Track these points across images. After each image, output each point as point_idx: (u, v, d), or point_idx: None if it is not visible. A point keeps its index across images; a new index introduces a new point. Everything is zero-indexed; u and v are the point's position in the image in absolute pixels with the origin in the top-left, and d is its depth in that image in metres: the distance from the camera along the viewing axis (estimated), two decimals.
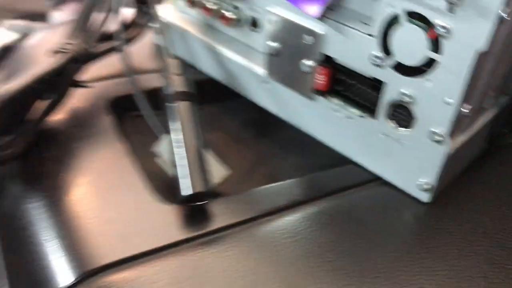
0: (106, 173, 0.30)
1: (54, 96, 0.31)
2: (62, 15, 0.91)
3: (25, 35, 0.96)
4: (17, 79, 0.28)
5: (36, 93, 0.30)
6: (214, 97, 0.39)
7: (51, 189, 0.29)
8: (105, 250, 0.25)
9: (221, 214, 0.27)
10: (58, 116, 0.32)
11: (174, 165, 0.28)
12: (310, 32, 0.30)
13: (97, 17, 0.35)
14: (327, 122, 0.32)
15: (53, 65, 0.30)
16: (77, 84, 0.33)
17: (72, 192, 0.29)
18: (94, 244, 0.26)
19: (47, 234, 0.27)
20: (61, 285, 0.24)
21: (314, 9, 0.28)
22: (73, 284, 0.24)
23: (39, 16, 1.00)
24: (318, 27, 0.29)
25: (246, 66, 0.35)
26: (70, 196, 0.28)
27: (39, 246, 0.27)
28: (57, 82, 0.31)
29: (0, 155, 0.29)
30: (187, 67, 0.39)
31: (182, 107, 0.29)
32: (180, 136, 0.28)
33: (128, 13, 0.38)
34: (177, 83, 0.30)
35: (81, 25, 0.33)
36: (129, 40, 0.36)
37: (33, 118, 0.30)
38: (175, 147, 0.28)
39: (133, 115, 0.35)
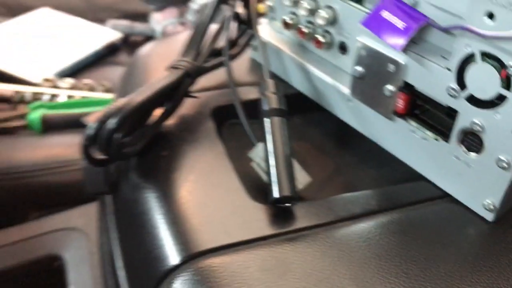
0: (207, 172, 0.36)
1: (169, 105, 0.37)
2: (161, 17, 0.99)
3: (127, 34, 1.05)
4: (141, 91, 0.34)
5: (155, 103, 0.36)
6: (301, 109, 0.43)
7: (163, 182, 0.35)
8: (206, 237, 0.30)
9: (303, 216, 0.32)
10: (170, 121, 0.38)
11: (266, 171, 0.33)
12: (393, 62, 0.33)
13: (208, 34, 0.41)
14: (404, 141, 0.35)
15: (170, 80, 0.35)
16: (187, 95, 0.39)
17: (180, 186, 0.34)
18: (197, 231, 0.31)
19: (160, 220, 0.32)
20: (170, 264, 0.30)
21: (398, 42, 0.32)
22: (179, 263, 0.30)
23: (140, 16, 1.09)
24: (401, 58, 0.33)
25: (332, 85, 0.40)
26: (179, 189, 0.34)
27: (153, 229, 0.32)
28: (173, 94, 0.36)
29: (124, 151, 0.35)
30: (279, 81, 0.44)
31: (275, 122, 0.33)
32: (272, 148, 0.33)
33: (232, 31, 0.43)
34: (272, 101, 0.34)
35: (195, 43, 0.39)
36: (233, 56, 0.42)
37: (152, 122, 0.36)
38: (268, 156, 0.33)
39: (232, 122, 0.41)
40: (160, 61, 0.45)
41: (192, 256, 0.30)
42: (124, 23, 1.03)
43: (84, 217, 0.58)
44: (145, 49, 0.49)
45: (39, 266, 0.57)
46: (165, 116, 0.37)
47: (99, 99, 0.77)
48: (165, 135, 0.38)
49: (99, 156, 0.34)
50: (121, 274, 0.35)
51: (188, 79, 0.37)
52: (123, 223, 0.36)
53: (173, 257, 0.30)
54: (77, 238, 0.57)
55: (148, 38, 1.04)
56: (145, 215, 0.33)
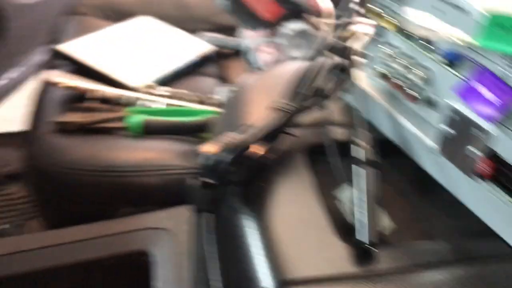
0: (299, 205, 0.40)
1: (270, 142, 0.42)
2: (252, 35, 1.04)
3: (218, 48, 1.11)
4: (251, 131, 0.39)
5: (258, 140, 0.41)
6: (385, 153, 0.47)
7: (260, 211, 0.40)
8: (297, 268, 0.35)
9: (384, 260, 0.36)
10: (268, 155, 0.43)
11: (352, 213, 0.37)
12: (481, 129, 0.36)
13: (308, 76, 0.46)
14: (483, 200, 0.38)
15: (275, 122, 0.41)
16: (286, 132, 0.43)
17: (275, 216, 0.39)
18: (289, 261, 0.36)
19: (256, 245, 0.37)
20: (263, 287, 0.35)
21: (489, 115, 0.35)
22: None
23: (231, 29, 1.15)
24: (489, 127, 0.36)
25: (417, 135, 0.43)
26: (273, 218, 0.39)
27: (249, 252, 0.37)
28: (274, 132, 0.41)
29: (229, 179, 0.40)
30: (366, 122, 0.48)
31: (366, 173, 0.38)
32: (361, 195, 0.37)
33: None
34: (366, 152, 0.39)
35: (297, 87, 0.43)
36: (328, 97, 0.46)
37: (253, 155, 0.42)
38: (356, 201, 0.37)
39: (323, 159, 0.45)
40: (261, 95, 0.50)
41: (283, 283, 0.34)
42: (217, 36, 1.09)
43: (173, 219, 0.64)
44: (248, 81, 0.55)
45: (128, 259, 0.64)
46: (265, 151, 0.42)
47: (193, 110, 0.84)
48: (263, 167, 0.43)
49: (210, 181, 0.40)
50: (216, 285, 0.40)
51: (288, 120, 0.42)
52: (222, 241, 0.42)
53: (266, 281, 0.35)
54: (166, 238, 0.63)
55: (237, 52, 1.09)
56: (243, 238, 0.39)
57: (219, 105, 0.88)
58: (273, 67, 0.60)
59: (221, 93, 0.90)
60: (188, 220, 0.59)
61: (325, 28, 0.94)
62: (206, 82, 1.00)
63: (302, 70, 0.45)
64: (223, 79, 1.04)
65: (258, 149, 0.41)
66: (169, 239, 0.63)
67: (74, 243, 0.66)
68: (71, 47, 0.93)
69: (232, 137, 0.39)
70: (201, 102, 0.89)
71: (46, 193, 0.78)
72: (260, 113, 0.44)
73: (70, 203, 0.76)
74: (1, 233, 0.91)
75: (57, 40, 1.06)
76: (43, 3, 1.40)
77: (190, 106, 0.86)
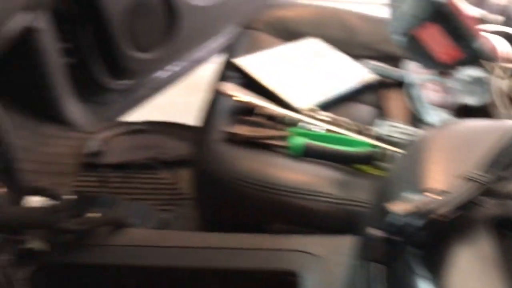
0: (478, 278, 0.40)
1: (459, 210, 0.42)
2: (418, 69, 1.03)
3: (380, 77, 1.11)
4: (444, 200, 0.40)
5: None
6: None
7: (438, 275, 0.40)
8: None
9: None
10: (454, 222, 0.44)
11: None
12: None
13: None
14: None
15: (468, 194, 0.41)
16: (474, 202, 0.43)
17: (452, 284, 0.39)
18: None
19: None
20: None
21: None
22: None
23: (395, 60, 1.15)
24: None
25: None
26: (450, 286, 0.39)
27: None
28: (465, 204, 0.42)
29: (412, 239, 0.41)
30: None
31: None
32: None
33: None
34: None
35: (499, 156, 0.43)
36: None
37: (440, 221, 0.42)
38: None
39: (510, 236, 0.44)
40: (448, 156, 0.50)
41: None
42: (380, 65, 1.10)
43: (328, 247, 0.67)
44: (429, 135, 0.55)
45: (277, 276, 0.68)
46: (451, 218, 0.42)
47: (351, 139, 0.86)
48: (446, 233, 0.43)
49: (395, 238, 0.41)
50: None
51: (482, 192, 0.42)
52: None
53: None
54: (316, 264, 0.65)
55: (399, 83, 1.09)
56: None
57: (377, 138, 0.89)
58: (458, 123, 0.59)
59: (380, 126, 0.91)
60: (344, 252, 0.60)
61: (501, 73, 0.91)
62: (363, 110, 1.01)
63: (507, 136, 0.44)
64: (381, 109, 1.04)
65: (445, 216, 0.42)
66: (320, 265, 0.65)
67: (228, 250, 0.72)
68: (245, 62, 1.00)
69: (425, 202, 0.40)
70: (359, 132, 0.90)
71: (208, 195, 0.85)
72: (448, 177, 0.44)
73: (228, 209, 0.82)
74: (165, 222, 1.00)
75: (230, 51, 1.14)
76: (215, 8, 1.52)
77: (348, 135, 0.88)
